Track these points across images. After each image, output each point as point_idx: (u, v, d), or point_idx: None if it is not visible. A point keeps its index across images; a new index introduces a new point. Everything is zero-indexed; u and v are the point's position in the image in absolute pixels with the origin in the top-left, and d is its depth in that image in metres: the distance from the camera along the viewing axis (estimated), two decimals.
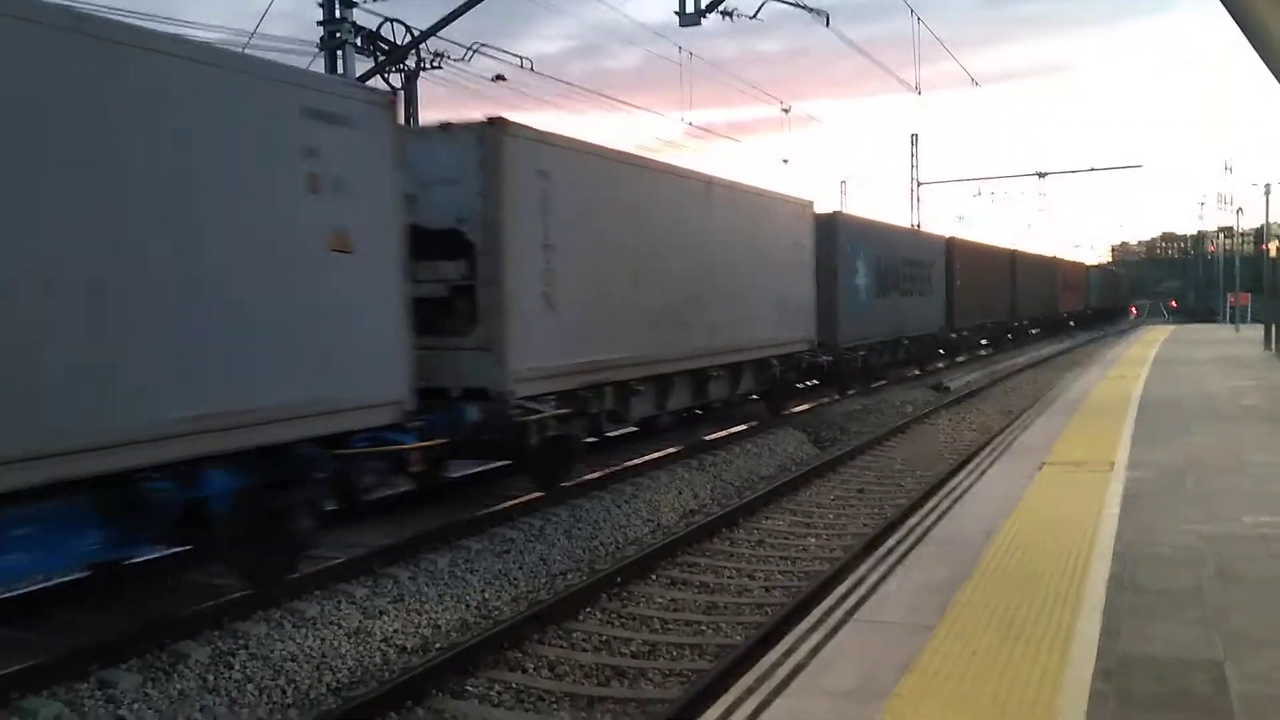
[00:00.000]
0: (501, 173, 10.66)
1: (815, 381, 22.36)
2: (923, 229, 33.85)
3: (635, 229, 13.35)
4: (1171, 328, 53.14)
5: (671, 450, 15.26)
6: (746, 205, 16.98)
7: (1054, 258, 56.32)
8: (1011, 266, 41.87)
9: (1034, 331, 48.38)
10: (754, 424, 18.19)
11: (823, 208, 21.96)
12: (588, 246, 12.19)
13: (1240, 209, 69.67)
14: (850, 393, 23.78)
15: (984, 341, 38.45)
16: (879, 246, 24.92)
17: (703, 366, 15.34)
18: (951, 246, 32.80)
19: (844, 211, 24.31)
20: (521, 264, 10.90)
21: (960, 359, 34.84)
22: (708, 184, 15.71)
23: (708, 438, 16.54)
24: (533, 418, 11.04)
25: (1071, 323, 59.94)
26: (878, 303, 24.48)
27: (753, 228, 17.08)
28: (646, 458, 14.58)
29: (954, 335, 32.30)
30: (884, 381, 27.04)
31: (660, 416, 15.18)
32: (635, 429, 16.02)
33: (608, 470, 13.61)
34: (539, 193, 11.22)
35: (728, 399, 17.20)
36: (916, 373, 30.13)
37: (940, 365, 33.17)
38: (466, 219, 10.72)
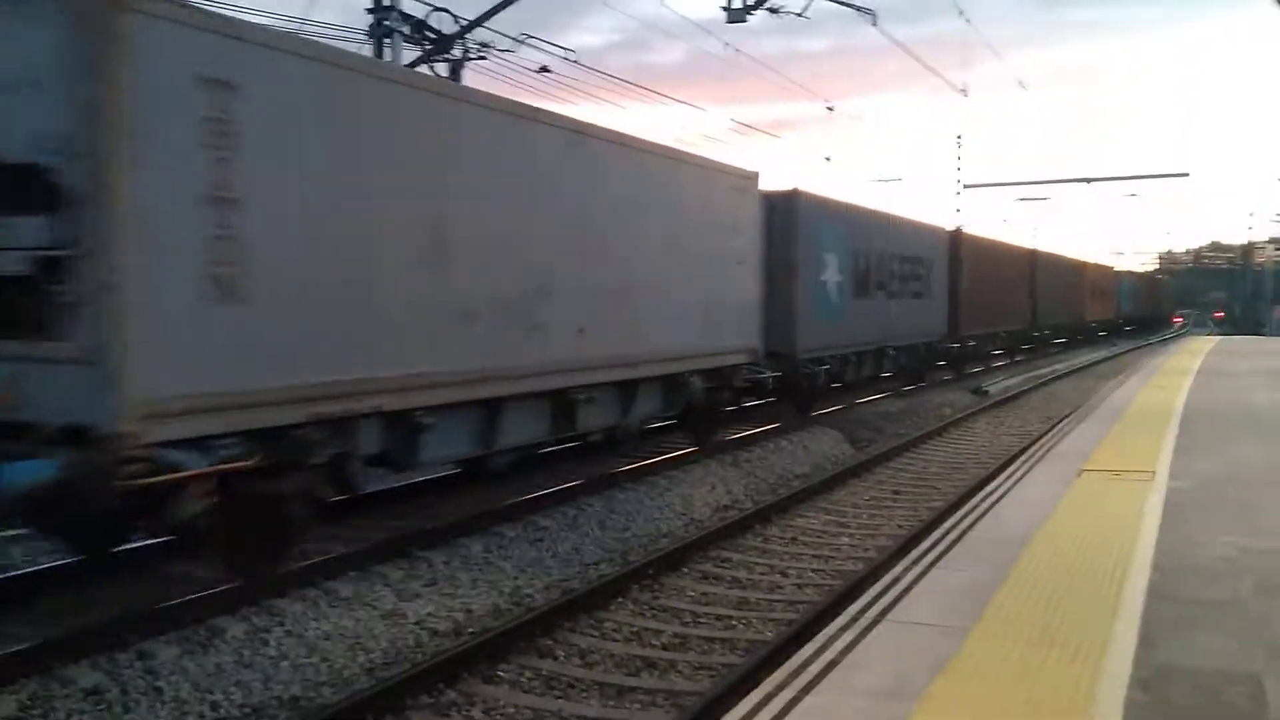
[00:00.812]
0: (117, 75, 6.62)
1: (760, 400, 18.35)
2: (925, 221, 27.02)
3: (428, 185, 9.27)
4: (1217, 338, 52.31)
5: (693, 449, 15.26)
6: (651, 171, 12.96)
7: (1081, 261, 51.99)
8: (1031, 268, 37.96)
9: (1057, 342, 44.88)
10: (777, 425, 18.14)
11: (812, 191, 18.99)
12: (323, 205, 8.15)
13: None
14: (816, 413, 19.61)
15: (998, 352, 35.28)
16: (858, 237, 20.69)
17: (565, 386, 11.31)
18: (958, 241, 28.78)
19: (805, 190, 18.27)
20: (158, 225, 6.87)
21: (974, 370, 31.10)
22: (577, 134, 11.49)
23: (731, 437, 16.51)
24: (175, 475, 6.98)
25: (1102, 333, 56.37)
26: (855, 305, 20.35)
27: (661, 201, 13.12)
28: (680, 452, 14.60)
29: (957, 345, 28.20)
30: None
31: (491, 456, 10.78)
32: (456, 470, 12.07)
33: (641, 463, 13.63)
34: (206, 114, 7.16)
35: (615, 427, 12.91)
36: (949, 377, 29.92)
37: (947, 377, 29.39)
38: (53, 149, 6.68)
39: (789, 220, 17.69)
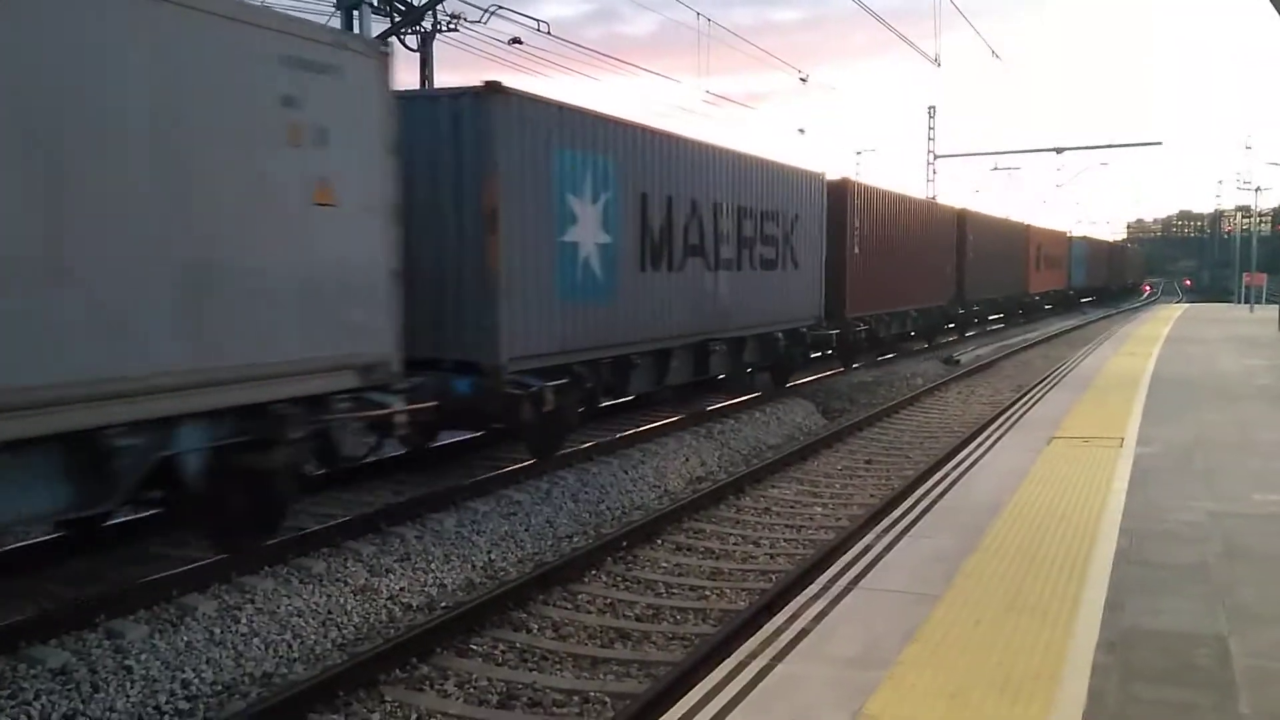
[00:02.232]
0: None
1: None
2: (790, 164, 19.22)
3: None
4: (1185, 306, 52.84)
5: (679, 418, 15.26)
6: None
7: (1024, 225, 43.94)
8: (958, 233, 31.68)
9: (993, 319, 38.98)
10: (756, 395, 18.17)
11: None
12: None
13: (1259, 188, 69.05)
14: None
15: (912, 334, 28.57)
16: (649, 177, 13.72)
17: None
18: (843, 194, 21.65)
19: (520, 91, 11.22)
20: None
21: (855, 366, 23.72)
22: None
23: (710, 408, 16.52)
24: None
25: (1048, 307, 49.76)
26: (640, 281, 13.59)
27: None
28: (655, 424, 14.60)
29: (837, 331, 21.02)
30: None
31: None
32: None
33: (616, 436, 13.62)
34: None
35: None
36: (924, 346, 29.90)
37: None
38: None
39: (479, 137, 10.70)
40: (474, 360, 10.81)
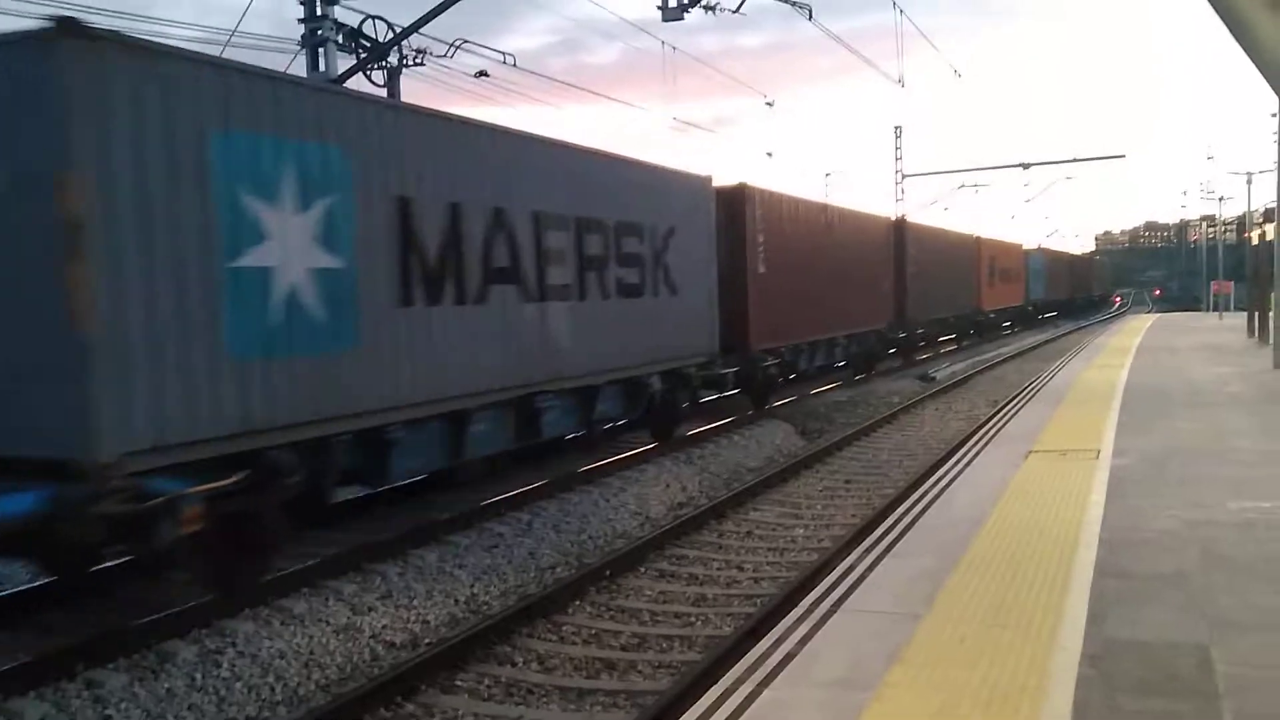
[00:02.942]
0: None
1: None
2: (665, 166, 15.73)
3: None
4: (1156, 316, 53.39)
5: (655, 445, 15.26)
6: None
7: (974, 237, 40.11)
8: (896, 247, 28.06)
9: (944, 341, 36.38)
10: (732, 419, 18.20)
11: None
12: None
13: (1223, 198, 69.97)
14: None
15: (842, 365, 24.78)
16: (406, 170, 9.89)
17: None
18: (743, 203, 18.00)
19: (132, 37, 7.49)
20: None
21: (769, 406, 19.91)
22: None
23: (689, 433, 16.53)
24: None
25: (1006, 325, 46.38)
26: (393, 320, 9.67)
27: None
28: (633, 452, 14.59)
29: (736, 370, 17.30)
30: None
31: None
32: None
33: (595, 464, 13.61)
34: None
35: None
36: (899, 364, 29.99)
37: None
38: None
39: (43, 109, 6.91)
40: (49, 457, 6.88)
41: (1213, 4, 3.81)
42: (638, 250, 14.20)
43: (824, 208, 23.34)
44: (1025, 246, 53.45)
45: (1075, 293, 70.13)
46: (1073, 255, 78.69)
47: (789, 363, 19.89)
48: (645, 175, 14.66)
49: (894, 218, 30.21)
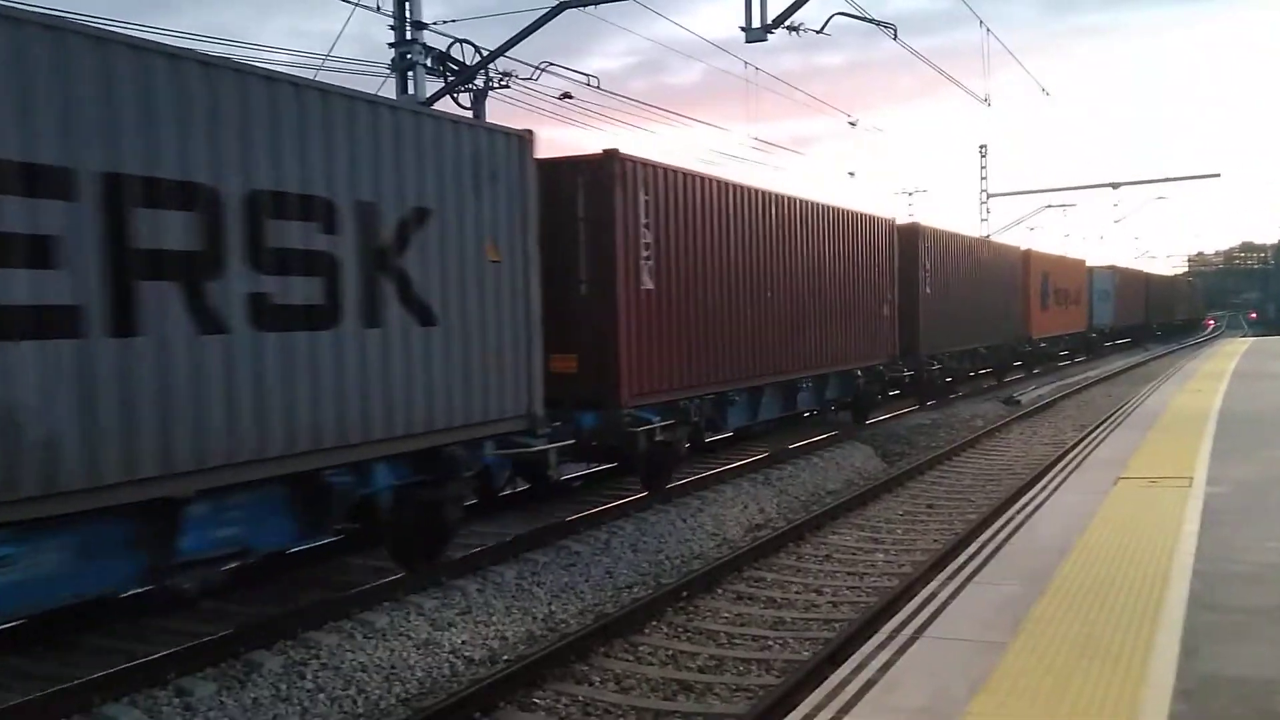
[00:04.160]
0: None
1: None
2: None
3: None
4: (1251, 340, 51.65)
5: (737, 464, 15.20)
6: None
7: (1023, 250, 33.92)
8: (905, 259, 21.81)
9: (979, 377, 29.49)
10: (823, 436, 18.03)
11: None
12: None
13: None
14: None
15: (809, 413, 19.28)
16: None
17: None
18: (609, 180, 11.92)
19: None
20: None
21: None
22: None
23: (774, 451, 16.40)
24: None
25: (1064, 355, 40.40)
26: None
27: None
28: (711, 472, 14.55)
29: (635, 430, 12.22)
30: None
31: None
32: None
33: (674, 484, 13.60)
34: None
35: None
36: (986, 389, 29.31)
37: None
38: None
39: None
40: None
41: None
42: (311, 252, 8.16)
43: (760, 194, 15.38)
44: (1090, 263, 45.91)
45: (1153, 317, 61.33)
46: (1151, 274, 67.36)
47: (694, 425, 13.70)
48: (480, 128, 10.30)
49: (901, 221, 22.33)
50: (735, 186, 14.65)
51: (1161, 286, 67.86)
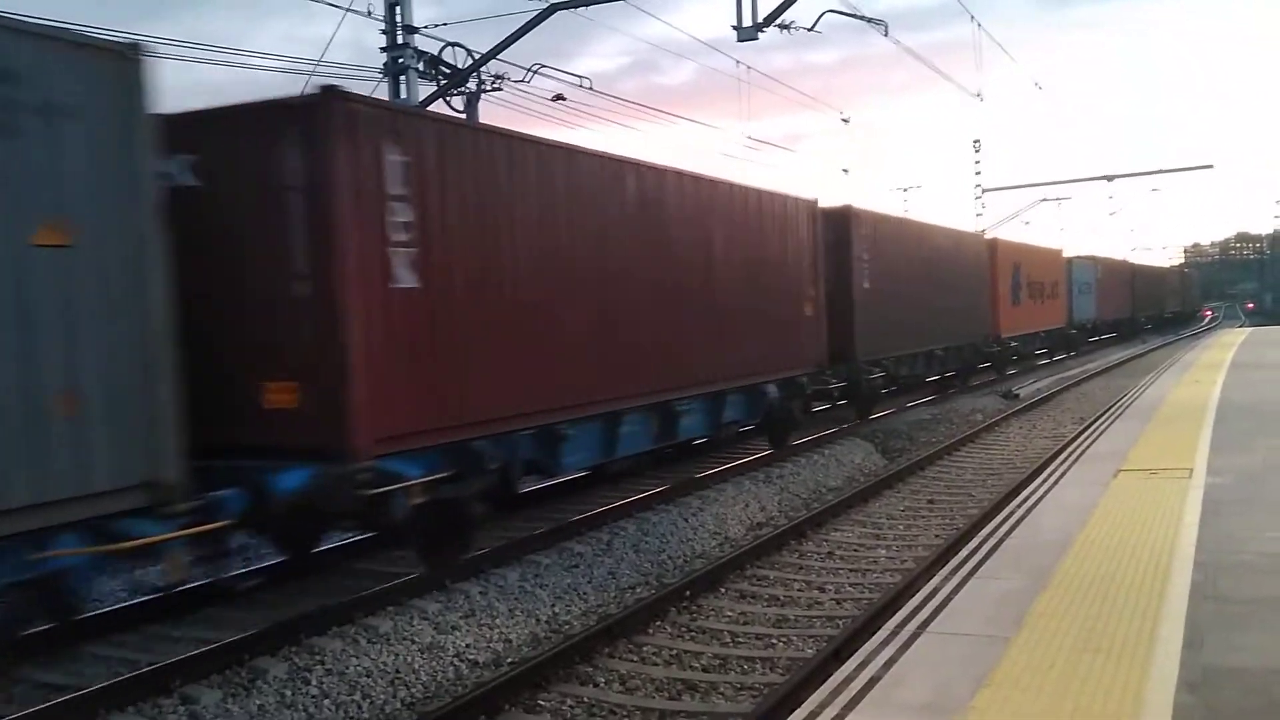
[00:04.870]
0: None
1: None
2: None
3: None
4: (1249, 330, 51.67)
5: (736, 464, 15.21)
6: None
7: (989, 239, 32.02)
8: (835, 250, 18.51)
9: (939, 382, 26.24)
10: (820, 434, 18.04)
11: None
12: None
13: None
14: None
15: (700, 441, 15.24)
16: None
17: None
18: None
19: None
20: None
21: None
22: None
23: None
24: None
25: (1041, 353, 37.40)
26: None
27: None
28: (712, 470, 14.57)
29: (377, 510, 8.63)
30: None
31: None
32: None
33: (673, 483, 13.61)
34: None
35: None
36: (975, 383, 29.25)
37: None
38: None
39: None
40: None
41: None
42: None
43: (612, 163, 12.07)
44: (1067, 254, 42.36)
45: (1140, 310, 57.93)
46: (1137, 265, 62.97)
47: (496, 473, 9.96)
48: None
49: (822, 204, 18.01)
50: (566, 150, 11.31)
51: (1149, 278, 64.26)
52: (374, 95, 13.99)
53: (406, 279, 8.84)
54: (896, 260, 21.16)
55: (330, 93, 8.41)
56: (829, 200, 18.45)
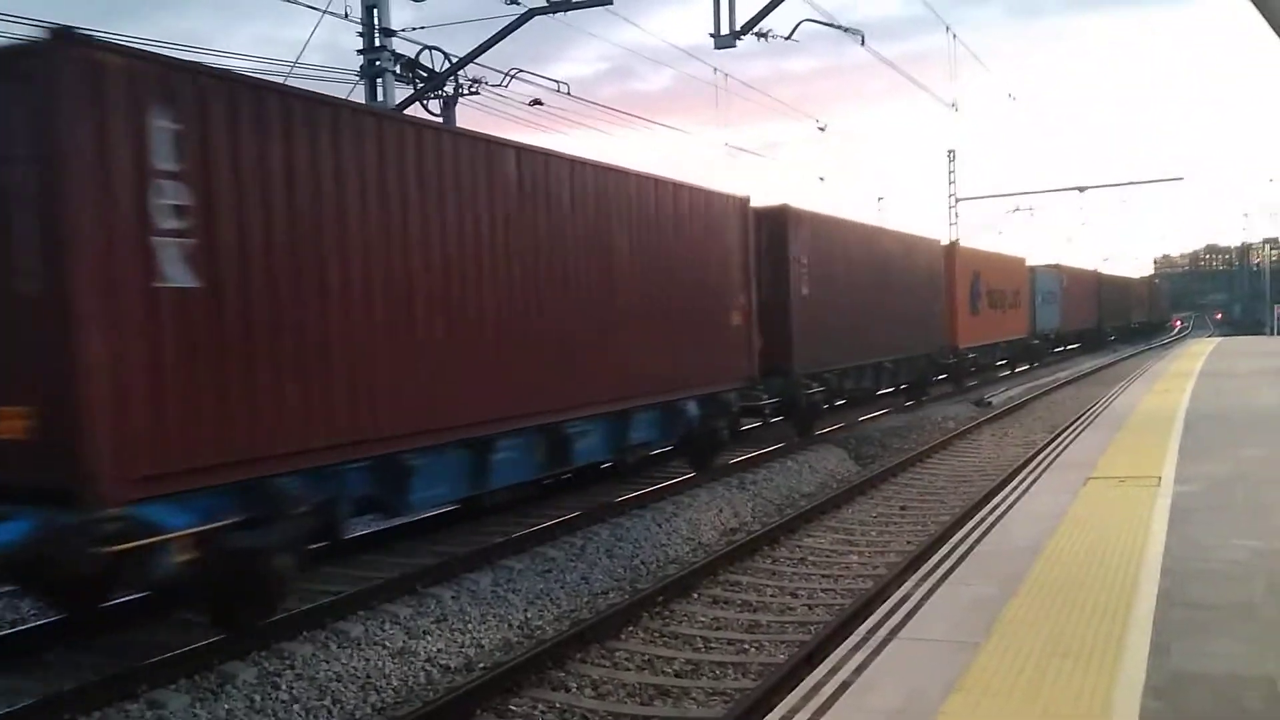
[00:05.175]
0: None
1: None
2: None
3: None
4: (1218, 340, 52.23)
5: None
6: None
7: (947, 244, 29.91)
8: (770, 252, 17.34)
9: (892, 395, 24.52)
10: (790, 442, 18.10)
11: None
12: None
13: None
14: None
15: (611, 464, 13.85)
16: None
17: None
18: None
19: None
20: None
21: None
22: None
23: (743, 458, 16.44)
24: None
25: (1001, 364, 35.67)
26: None
27: None
28: (687, 476, 14.58)
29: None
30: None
31: None
32: None
33: (648, 489, 13.61)
34: None
35: None
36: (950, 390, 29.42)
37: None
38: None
39: None
40: None
41: (1266, 17, 3.79)
42: None
43: (484, 145, 10.46)
44: (1031, 262, 40.78)
45: (1107, 321, 56.93)
46: (1103, 274, 60.99)
47: (310, 517, 8.24)
48: None
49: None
50: (418, 126, 9.85)
51: (1116, 287, 62.91)
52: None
53: (179, 276, 7.07)
54: (841, 265, 19.86)
55: (64, 37, 6.58)
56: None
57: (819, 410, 19.12)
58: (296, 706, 7.06)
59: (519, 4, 16.19)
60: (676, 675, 7.82)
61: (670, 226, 13.70)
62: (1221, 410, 15.74)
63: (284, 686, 7.24)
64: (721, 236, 15.05)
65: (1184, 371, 25.36)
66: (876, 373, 22.18)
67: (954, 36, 26.59)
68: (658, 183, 13.58)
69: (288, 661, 7.57)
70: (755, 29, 16.51)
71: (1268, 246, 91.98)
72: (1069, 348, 48.32)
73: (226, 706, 6.88)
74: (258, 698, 7.05)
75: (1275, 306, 57.76)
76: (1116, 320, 60.09)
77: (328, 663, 7.65)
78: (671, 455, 15.74)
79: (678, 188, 13.99)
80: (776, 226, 17.50)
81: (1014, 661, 4.89)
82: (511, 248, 10.58)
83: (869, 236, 22.48)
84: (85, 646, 8.04)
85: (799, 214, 18.33)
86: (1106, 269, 67.54)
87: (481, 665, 8.07)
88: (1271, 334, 54.51)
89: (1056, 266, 46.75)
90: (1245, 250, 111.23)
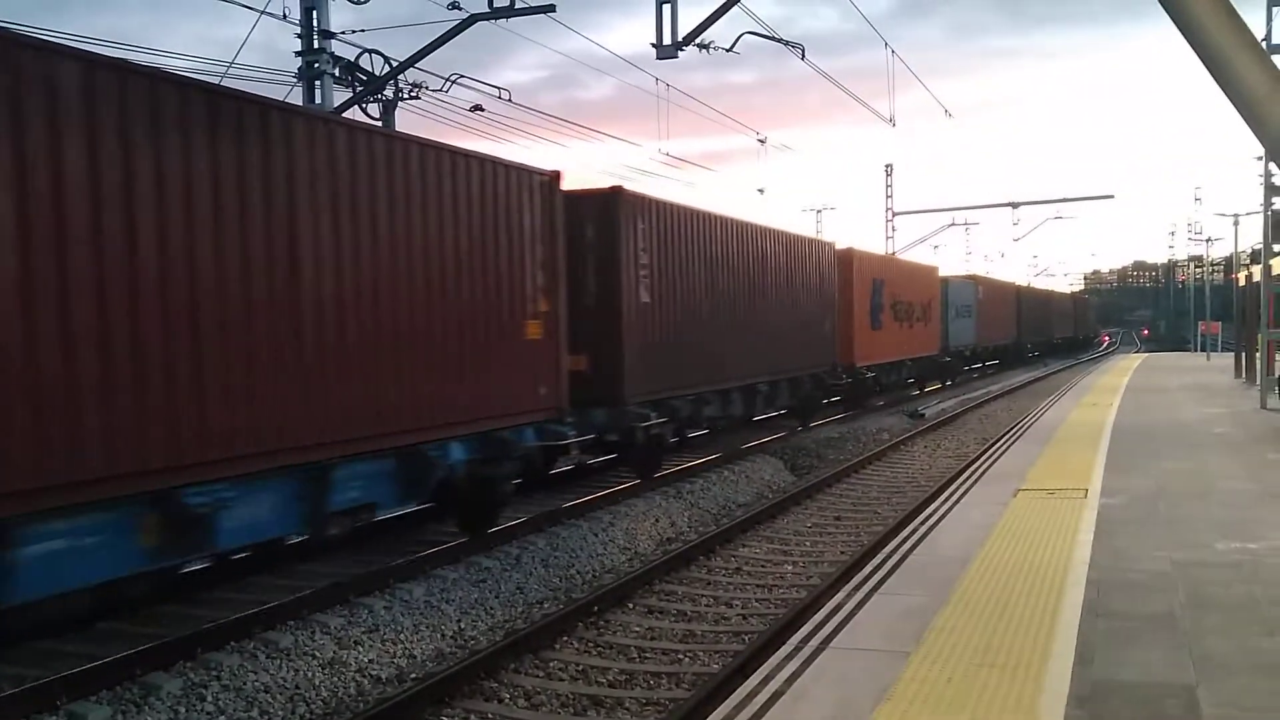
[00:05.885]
0: None
1: None
2: None
3: None
4: (1144, 355, 53.55)
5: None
6: None
7: (843, 249, 25.27)
8: (602, 247, 13.91)
9: (772, 419, 22.78)
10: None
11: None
12: None
13: (1210, 239, 70.44)
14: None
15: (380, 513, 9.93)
16: None
17: None
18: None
19: None
20: None
21: None
22: None
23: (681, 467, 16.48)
24: None
25: (912, 381, 32.65)
26: None
27: None
28: (625, 485, 14.57)
29: None
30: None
31: None
32: None
33: (585, 498, 13.57)
34: None
35: None
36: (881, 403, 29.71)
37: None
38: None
39: None
40: None
41: (1192, 45, 3.88)
42: None
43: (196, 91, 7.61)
44: (944, 273, 38.13)
45: (1027, 337, 53.44)
46: (1024, 287, 58.15)
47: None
48: None
49: (567, 185, 12.74)
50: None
51: (1037, 301, 59.19)
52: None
53: None
54: (699, 267, 16.44)
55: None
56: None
57: (664, 446, 15.51)
58: (223, 718, 6.92)
59: (461, 9, 16.12)
60: (610, 685, 7.80)
61: (434, 210, 10.00)
62: (1146, 425, 16.13)
63: (210, 698, 7.08)
64: (510, 221, 11.32)
65: (1111, 386, 25.96)
66: (746, 397, 18.82)
67: (893, 53, 26.97)
68: (390, 140, 9.93)
69: (214, 672, 7.42)
70: (697, 40, 16.60)
71: (1193, 265, 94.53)
72: (987, 364, 45.75)
73: (150, 719, 6.72)
74: (182, 710, 6.89)
75: (1199, 323, 59.34)
76: (1037, 336, 56.96)
77: (255, 674, 7.51)
78: (612, 465, 15.74)
79: (423, 149, 9.97)
80: (605, 215, 13.96)
81: (943, 671, 4.96)
82: (213, 245, 7.59)
83: (739, 234, 18.42)
84: (3, 656, 7.80)
85: (636, 200, 14.67)
86: (1039, 284, 68.09)
87: (414, 676, 7.98)
88: (1196, 350, 56.00)
89: (973, 277, 44.34)
90: (1171, 268, 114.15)
